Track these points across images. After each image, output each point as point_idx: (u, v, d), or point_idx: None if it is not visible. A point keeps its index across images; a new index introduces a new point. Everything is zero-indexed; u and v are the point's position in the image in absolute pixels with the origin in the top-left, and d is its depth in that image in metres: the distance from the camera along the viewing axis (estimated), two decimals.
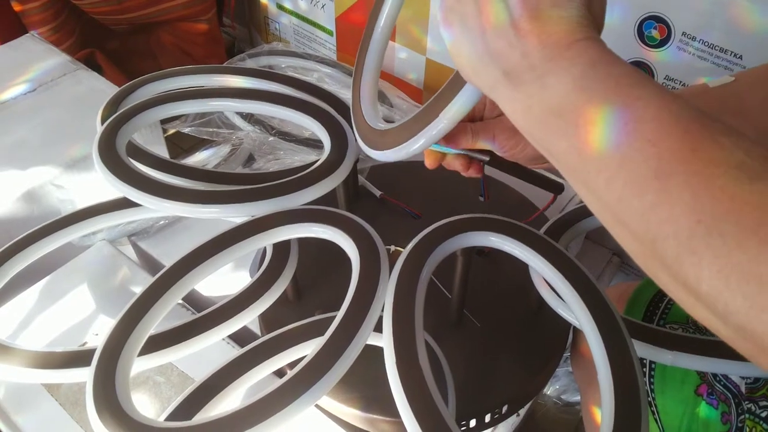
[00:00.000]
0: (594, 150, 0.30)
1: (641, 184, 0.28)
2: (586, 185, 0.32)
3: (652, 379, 0.56)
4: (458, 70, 0.38)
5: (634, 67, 0.31)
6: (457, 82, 0.41)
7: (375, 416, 0.57)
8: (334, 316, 0.47)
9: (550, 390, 1.05)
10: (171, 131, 0.96)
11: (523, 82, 0.33)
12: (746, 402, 0.50)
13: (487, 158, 0.53)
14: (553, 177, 0.59)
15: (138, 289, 0.52)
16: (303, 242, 0.58)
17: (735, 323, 0.26)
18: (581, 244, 1.02)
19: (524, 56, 0.32)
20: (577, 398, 1.03)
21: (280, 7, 1.36)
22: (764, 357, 0.26)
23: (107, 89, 0.96)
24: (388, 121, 0.53)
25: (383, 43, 0.58)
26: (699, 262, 0.26)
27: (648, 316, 0.59)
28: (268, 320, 0.64)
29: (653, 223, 0.28)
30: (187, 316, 0.52)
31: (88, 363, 0.48)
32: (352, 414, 0.57)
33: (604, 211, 0.31)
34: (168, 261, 0.53)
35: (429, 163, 0.52)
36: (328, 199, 0.59)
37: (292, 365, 0.46)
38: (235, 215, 0.57)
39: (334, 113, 0.66)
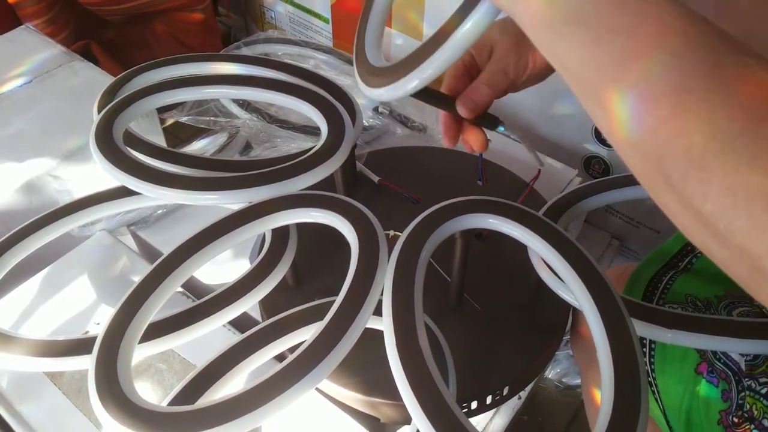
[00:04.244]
0: (614, 60, 0.29)
1: (658, 97, 0.27)
2: (599, 99, 0.30)
3: (652, 359, 0.56)
4: None
5: None
6: (467, 6, 0.39)
7: (376, 399, 0.57)
8: (334, 301, 0.47)
9: (551, 373, 1.05)
10: (169, 122, 0.95)
11: None
12: (746, 379, 0.50)
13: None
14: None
15: (138, 279, 0.52)
16: (302, 228, 0.58)
17: (734, 244, 0.26)
18: (580, 227, 1.02)
19: None
20: (578, 381, 1.04)
21: None
22: (757, 279, 0.26)
23: (103, 80, 0.95)
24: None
25: None
26: (708, 180, 0.26)
27: (647, 297, 0.59)
28: (268, 306, 0.64)
29: (663, 138, 0.27)
30: (188, 303, 0.52)
31: (90, 351, 0.48)
32: (353, 397, 0.58)
33: (613, 126, 0.30)
34: (167, 250, 0.53)
35: (447, 141, 0.51)
36: (326, 185, 0.59)
37: (292, 350, 0.46)
38: (233, 201, 0.57)
39: (331, 99, 0.66)
